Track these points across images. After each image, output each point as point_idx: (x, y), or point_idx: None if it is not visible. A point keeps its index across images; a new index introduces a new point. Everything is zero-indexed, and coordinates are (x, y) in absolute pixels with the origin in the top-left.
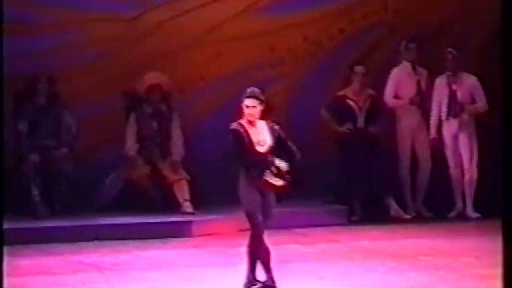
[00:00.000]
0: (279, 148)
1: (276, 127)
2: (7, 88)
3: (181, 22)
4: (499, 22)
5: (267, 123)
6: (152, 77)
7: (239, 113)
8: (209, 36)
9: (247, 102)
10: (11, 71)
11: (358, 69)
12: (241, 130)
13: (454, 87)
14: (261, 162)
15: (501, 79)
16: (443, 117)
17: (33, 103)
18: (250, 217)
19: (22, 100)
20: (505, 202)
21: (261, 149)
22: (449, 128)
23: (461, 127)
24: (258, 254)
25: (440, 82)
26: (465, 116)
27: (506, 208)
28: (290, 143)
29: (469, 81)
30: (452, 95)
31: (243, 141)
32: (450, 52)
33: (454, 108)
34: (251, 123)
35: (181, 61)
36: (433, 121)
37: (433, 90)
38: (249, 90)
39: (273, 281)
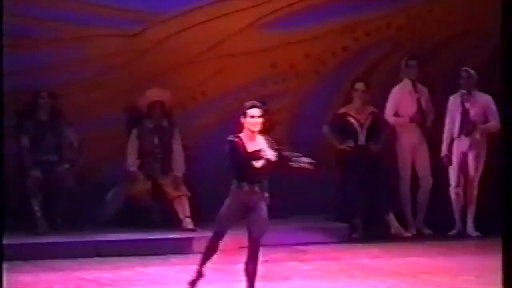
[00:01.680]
0: (280, 161)
1: (274, 141)
2: (9, 104)
3: (183, 38)
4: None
5: (266, 138)
6: (154, 93)
7: (239, 127)
8: (211, 52)
9: (251, 112)
10: (14, 86)
11: (358, 86)
12: (238, 142)
13: (467, 105)
14: (255, 177)
15: (503, 97)
16: (455, 135)
17: (35, 118)
18: (216, 225)
19: (24, 115)
20: (504, 220)
21: (257, 164)
22: (460, 146)
23: (471, 145)
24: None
25: (454, 100)
26: (477, 135)
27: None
28: (289, 152)
29: (483, 99)
30: (465, 113)
31: (239, 153)
32: (465, 70)
33: (467, 126)
34: (251, 135)
35: (183, 76)
36: (446, 139)
37: (435, 107)
38: (250, 102)
39: None
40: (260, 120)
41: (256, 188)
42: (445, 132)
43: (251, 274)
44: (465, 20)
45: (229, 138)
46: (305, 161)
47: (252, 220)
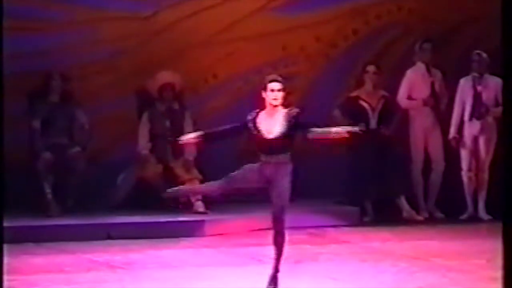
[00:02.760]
0: (298, 132)
1: (295, 111)
2: (21, 85)
3: (195, 20)
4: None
5: (287, 111)
6: (165, 76)
7: (261, 102)
8: (223, 35)
9: (271, 85)
10: (25, 68)
11: (370, 68)
12: (251, 118)
13: (479, 88)
14: (269, 149)
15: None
16: (466, 118)
17: (47, 101)
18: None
19: (36, 97)
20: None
21: (270, 135)
22: (471, 129)
23: (483, 129)
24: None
25: (465, 83)
26: (489, 119)
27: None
28: (310, 122)
29: (495, 83)
30: (476, 96)
31: (250, 128)
32: (477, 53)
33: (479, 109)
34: (272, 109)
35: (194, 59)
36: (455, 120)
37: (448, 90)
38: (270, 76)
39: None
40: (281, 93)
41: (273, 160)
42: (454, 114)
43: (279, 245)
44: (477, 4)
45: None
46: (337, 131)
47: (272, 193)
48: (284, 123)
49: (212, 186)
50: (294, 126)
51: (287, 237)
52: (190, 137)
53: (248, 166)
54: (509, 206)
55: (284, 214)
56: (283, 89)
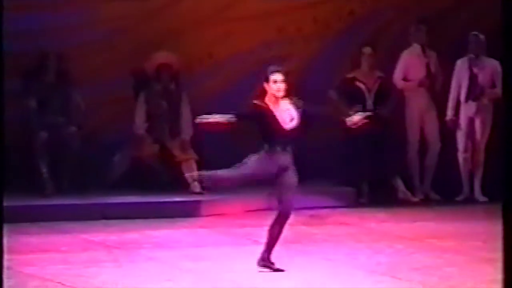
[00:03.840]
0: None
1: (300, 102)
2: (16, 65)
3: (192, 1)
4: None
5: (291, 100)
6: (161, 56)
7: (260, 92)
8: (219, 15)
9: (276, 77)
10: (21, 47)
11: (366, 50)
12: (265, 107)
13: (475, 70)
14: (286, 139)
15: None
16: (462, 99)
17: (43, 80)
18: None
19: (31, 77)
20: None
21: (288, 126)
22: (467, 110)
23: (478, 110)
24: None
25: (461, 65)
26: (484, 100)
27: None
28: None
29: (491, 64)
30: (473, 78)
31: (267, 118)
32: (474, 35)
33: (474, 91)
34: (275, 100)
35: (191, 39)
36: (451, 102)
37: (444, 71)
38: (272, 66)
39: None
40: (283, 84)
41: (288, 149)
42: (451, 96)
43: (274, 238)
44: None
45: (255, 102)
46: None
47: (284, 182)
48: (297, 114)
49: (234, 175)
50: (305, 116)
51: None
52: (219, 119)
53: (256, 156)
54: (509, 190)
55: (293, 202)
56: (284, 79)
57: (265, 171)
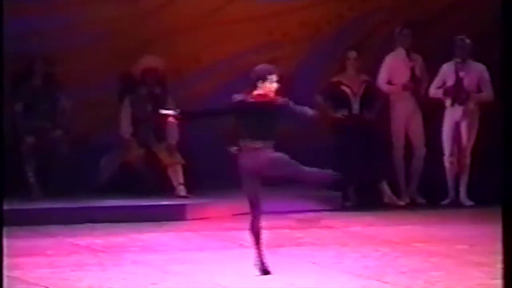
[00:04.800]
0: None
1: (289, 101)
2: (4, 69)
3: (180, 4)
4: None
5: (280, 99)
6: (148, 60)
7: (251, 88)
8: (207, 19)
9: (269, 77)
10: (8, 51)
11: (351, 54)
12: (247, 98)
13: (461, 74)
14: (264, 131)
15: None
16: (447, 103)
17: (29, 84)
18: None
19: (18, 80)
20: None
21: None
22: (453, 114)
23: (464, 114)
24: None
25: (447, 68)
26: (470, 104)
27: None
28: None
29: (477, 69)
30: (459, 81)
31: (248, 104)
32: (460, 39)
33: (460, 95)
34: (263, 97)
35: (178, 43)
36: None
37: (430, 75)
38: (268, 67)
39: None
40: (276, 85)
41: (267, 144)
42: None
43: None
44: None
45: (237, 98)
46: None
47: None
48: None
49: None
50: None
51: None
52: (169, 112)
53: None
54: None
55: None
56: (278, 80)
57: (254, 173)
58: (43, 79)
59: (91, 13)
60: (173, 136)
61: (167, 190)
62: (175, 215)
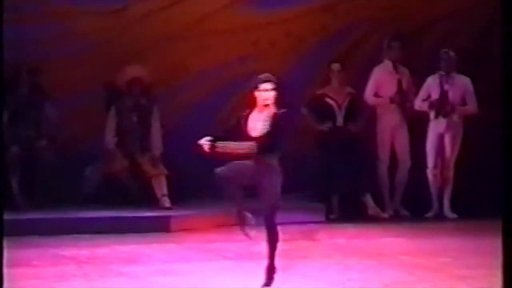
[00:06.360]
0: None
1: (281, 112)
2: None
3: (165, 14)
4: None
5: (275, 110)
6: (133, 70)
7: (251, 100)
8: (193, 29)
9: (265, 86)
10: None
11: (334, 66)
12: (244, 115)
13: (446, 87)
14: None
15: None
16: (432, 116)
17: (15, 93)
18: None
19: (4, 90)
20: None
21: (254, 133)
22: (437, 126)
23: (448, 127)
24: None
25: (432, 81)
26: (455, 117)
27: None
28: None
29: (462, 82)
30: (443, 94)
31: (240, 125)
32: (445, 52)
33: (445, 108)
34: (262, 108)
35: (164, 53)
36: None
37: (416, 88)
38: (262, 75)
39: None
40: (272, 93)
41: (261, 158)
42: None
43: (270, 249)
44: (448, 2)
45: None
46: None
47: (259, 193)
48: (268, 122)
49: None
50: (278, 126)
51: (280, 235)
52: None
53: (237, 162)
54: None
55: (274, 213)
56: (275, 89)
57: (243, 171)
58: (28, 88)
59: (77, 24)
60: (157, 147)
61: (151, 201)
62: (159, 226)
